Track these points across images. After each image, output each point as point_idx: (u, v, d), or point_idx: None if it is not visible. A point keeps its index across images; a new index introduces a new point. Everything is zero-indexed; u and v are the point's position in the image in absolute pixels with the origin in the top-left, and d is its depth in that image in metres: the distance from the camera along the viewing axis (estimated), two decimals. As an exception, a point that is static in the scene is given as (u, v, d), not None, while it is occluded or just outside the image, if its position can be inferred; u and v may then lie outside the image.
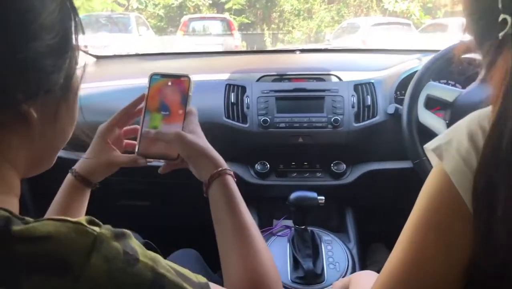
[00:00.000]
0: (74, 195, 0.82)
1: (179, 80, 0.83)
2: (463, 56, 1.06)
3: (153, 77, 0.83)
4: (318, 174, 1.46)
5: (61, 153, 0.60)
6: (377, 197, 1.55)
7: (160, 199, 1.66)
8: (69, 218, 0.45)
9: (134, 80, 1.57)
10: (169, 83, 0.83)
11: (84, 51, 0.60)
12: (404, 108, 1.25)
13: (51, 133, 0.53)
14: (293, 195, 1.23)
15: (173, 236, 1.45)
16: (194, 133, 0.80)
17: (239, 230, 0.70)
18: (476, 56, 0.63)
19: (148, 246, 0.77)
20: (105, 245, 0.43)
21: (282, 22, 16.50)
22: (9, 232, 0.41)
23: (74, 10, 0.52)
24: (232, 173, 0.78)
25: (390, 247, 0.62)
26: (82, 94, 0.57)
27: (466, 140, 0.54)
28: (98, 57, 1.96)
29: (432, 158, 0.58)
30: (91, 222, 0.46)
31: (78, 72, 0.55)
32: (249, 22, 15.98)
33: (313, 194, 1.22)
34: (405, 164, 1.39)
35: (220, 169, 0.76)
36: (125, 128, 0.88)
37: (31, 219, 0.44)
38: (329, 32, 14.19)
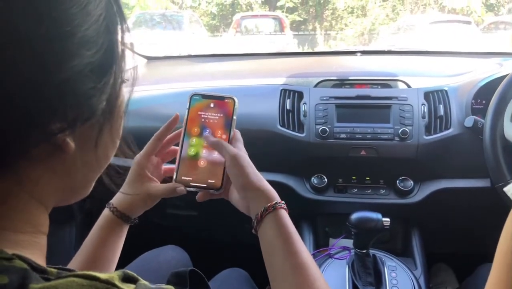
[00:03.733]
0: (112, 231, 0.75)
1: (223, 102, 0.76)
2: None
3: (193, 97, 0.76)
4: (382, 191, 1.32)
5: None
6: (447, 218, 1.39)
7: (207, 210, 1.59)
8: (98, 275, 0.36)
9: (185, 83, 1.50)
10: (211, 105, 0.76)
11: (134, 52, 0.48)
12: (486, 123, 1.10)
13: (90, 162, 0.45)
14: (355, 216, 1.10)
15: (218, 250, 1.38)
16: None
17: (298, 275, 0.61)
18: None
19: (194, 274, 0.70)
20: None
21: (335, 20, 16.26)
22: None
23: (121, 14, 0.43)
24: (285, 206, 0.69)
25: (453, 267, 0.55)
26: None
27: None
28: (148, 58, 1.91)
29: None
30: (125, 279, 0.37)
31: (128, 75, 0.47)
32: (302, 20, 15.85)
33: (378, 215, 1.10)
34: (483, 183, 1.24)
35: (275, 202, 0.67)
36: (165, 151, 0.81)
37: (53, 271, 0.36)
38: (384, 30, 13.80)
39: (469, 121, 1.23)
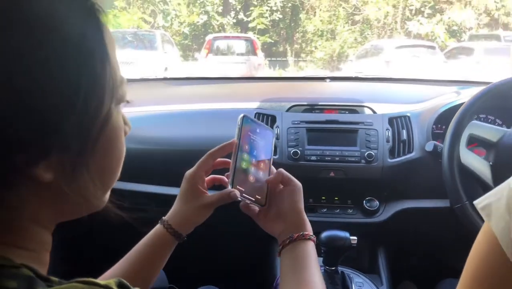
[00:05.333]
0: (161, 247, 0.76)
1: (266, 132, 0.84)
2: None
3: (244, 118, 0.81)
4: (350, 210, 1.39)
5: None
6: (411, 237, 1.47)
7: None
8: (98, 281, 0.40)
9: (162, 106, 1.54)
10: (258, 130, 0.83)
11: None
12: (445, 148, 1.19)
13: (82, 187, 0.44)
14: (324, 234, 1.16)
15: (194, 267, 1.40)
16: None
17: None
18: None
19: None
20: None
21: (305, 43, 16.60)
22: None
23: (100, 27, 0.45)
24: (314, 239, 0.75)
25: (417, 284, 0.59)
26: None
27: None
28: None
29: (483, 215, 0.53)
30: (120, 286, 0.42)
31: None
32: (273, 41, 16.11)
33: (346, 234, 1.16)
34: (443, 203, 1.32)
35: (306, 233, 0.74)
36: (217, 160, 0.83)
37: (56, 279, 0.41)
38: (352, 53, 14.18)
39: (429, 146, 1.32)
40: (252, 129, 0.82)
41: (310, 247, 0.74)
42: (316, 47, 16.18)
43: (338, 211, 1.40)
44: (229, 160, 0.80)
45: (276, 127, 1.42)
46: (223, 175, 0.81)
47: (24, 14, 0.38)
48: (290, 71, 14.55)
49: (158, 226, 0.77)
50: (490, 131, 1.15)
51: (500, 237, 0.49)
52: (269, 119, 1.45)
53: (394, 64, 9.85)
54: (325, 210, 1.40)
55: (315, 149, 1.37)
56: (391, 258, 1.40)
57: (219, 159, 0.82)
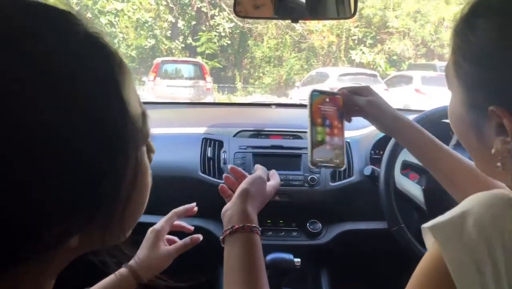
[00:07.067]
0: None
1: (335, 98, 0.90)
2: (443, 120, 1.10)
3: (313, 93, 0.89)
4: (294, 233, 1.44)
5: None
6: (353, 258, 1.53)
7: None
8: None
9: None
10: (327, 100, 0.89)
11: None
12: (381, 174, 1.26)
13: (113, 234, 0.44)
14: (269, 257, 1.20)
15: None
16: None
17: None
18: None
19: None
20: None
21: (253, 68, 16.88)
22: None
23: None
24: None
25: None
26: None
27: (475, 234, 0.47)
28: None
29: (429, 239, 0.52)
30: None
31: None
32: (221, 66, 16.28)
33: (290, 256, 1.20)
34: (382, 225, 1.38)
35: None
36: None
37: None
38: (299, 79, 14.56)
39: (367, 170, 1.40)
40: (321, 102, 0.89)
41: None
42: (264, 73, 16.49)
43: (283, 233, 1.44)
44: (184, 224, 0.96)
45: (223, 152, 1.45)
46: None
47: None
48: (239, 96, 14.72)
49: (123, 270, 0.83)
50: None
51: (453, 266, 0.47)
52: (217, 144, 1.48)
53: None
54: (270, 233, 1.43)
55: (261, 173, 1.41)
56: (334, 279, 1.45)
57: (176, 223, 0.95)
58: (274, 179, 0.94)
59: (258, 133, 1.58)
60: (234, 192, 0.88)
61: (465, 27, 0.56)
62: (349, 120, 0.96)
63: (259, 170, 0.92)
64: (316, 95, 0.89)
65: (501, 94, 0.52)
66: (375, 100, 0.90)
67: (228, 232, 0.78)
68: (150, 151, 0.50)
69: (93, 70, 0.39)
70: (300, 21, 1.42)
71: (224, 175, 0.96)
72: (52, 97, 0.36)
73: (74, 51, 0.38)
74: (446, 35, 16.17)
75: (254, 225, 0.80)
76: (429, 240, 0.52)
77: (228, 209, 0.83)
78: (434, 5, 16.33)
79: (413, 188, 1.21)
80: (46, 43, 0.37)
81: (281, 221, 1.45)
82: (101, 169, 0.38)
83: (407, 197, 1.22)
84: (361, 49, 16.16)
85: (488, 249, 0.46)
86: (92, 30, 0.41)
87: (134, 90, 0.44)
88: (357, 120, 1.67)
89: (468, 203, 0.51)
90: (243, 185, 0.86)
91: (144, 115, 0.45)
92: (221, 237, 0.80)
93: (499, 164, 0.54)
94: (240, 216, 0.80)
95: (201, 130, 1.57)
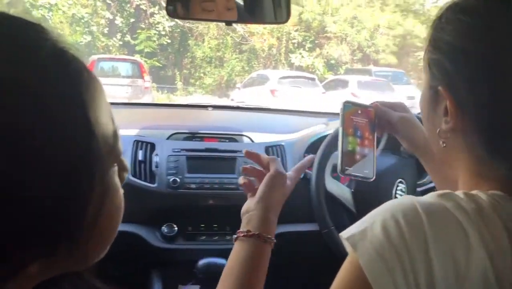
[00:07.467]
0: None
1: (367, 110, 0.90)
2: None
3: (346, 104, 0.89)
4: (228, 237, 1.42)
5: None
6: (289, 260, 1.54)
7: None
8: None
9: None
10: (359, 112, 0.89)
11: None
12: (312, 177, 1.28)
13: (82, 255, 0.43)
14: (201, 262, 1.18)
15: None
16: None
17: None
18: None
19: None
20: None
21: (194, 68, 16.74)
22: None
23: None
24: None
25: None
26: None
27: (380, 234, 0.50)
28: None
29: (347, 247, 0.54)
30: None
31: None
32: (161, 65, 15.99)
33: (222, 261, 1.19)
34: (314, 227, 1.41)
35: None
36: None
37: None
38: (240, 81, 14.62)
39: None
40: (353, 113, 0.89)
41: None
42: (205, 74, 16.39)
43: (216, 238, 1.42)
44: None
45: (155, 155, 1.41)
46: None
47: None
48: (179, 96, 14.52)
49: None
50: (351, 160, 1.28)
51: (366, 267, 0.49)
52: (148, 147, 1.44)
53: (278, 93, 10.39)
54: (204, 237, 1.41)
55: (195, 177, 1.39)
56: (272, 282, 1.45)
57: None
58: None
59: (192, 136, 1.55)
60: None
61: (439, 19, 0.60)
62: (380, 135, 0.95)
63: (277, 163, 0.87)
64: (349, 106, 0.90)
65: (444, 75, 0.57)
66: (408, 118, 0.88)
67: (242, 234, 0.77)
68: (122, 169, 0.48)
69: (58, 90, 0.37)
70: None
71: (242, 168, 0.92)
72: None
73: (37, 70, 0.36)
74: (381, 41, 16.93)
75: (269, 236, 0.78)
76: (348, 248, 0.54)
77: (250, 210, 0.81)
78: (370, 12, 16.99)
79: (342, 191, 1.24)
80: (7, 59, 0.35)
81: (215, 225, 1.43)
82: (63, 195, 0.37)
83: (337, 199, 1.25)
84: (300, 53, 16.49)
85: (394, 249, 0.49)
86: (61, 45, 0.39)
87: (106, 108, 0.43)
88: (295, 123, 1.69)
89: (379, 210, 0.54)
90: (265, 189, 0.82)
91: (115, 134, 0.44)
92: (235, 235, 0.79)
93: (442, 143, 0.59)
94: (258, 223, 0.78)
95: (133, 132, 1.52)
